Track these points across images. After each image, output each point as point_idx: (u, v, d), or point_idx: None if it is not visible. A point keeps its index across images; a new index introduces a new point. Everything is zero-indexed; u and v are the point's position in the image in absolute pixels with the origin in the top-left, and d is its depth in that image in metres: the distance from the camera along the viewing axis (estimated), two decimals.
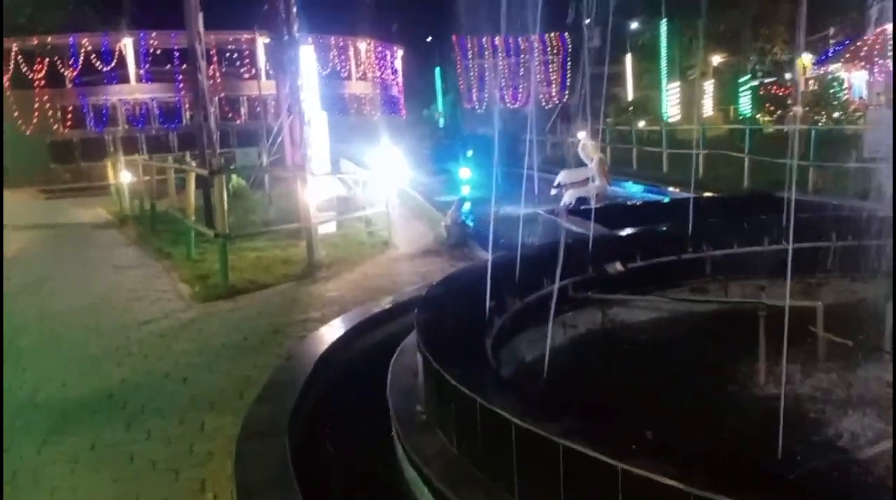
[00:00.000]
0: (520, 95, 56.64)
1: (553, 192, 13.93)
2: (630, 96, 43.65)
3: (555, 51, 56.24)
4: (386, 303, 6.56)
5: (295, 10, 9.84)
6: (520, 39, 56.08)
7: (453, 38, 55.47)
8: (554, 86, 56.37)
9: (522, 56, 56.24)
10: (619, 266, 6.69)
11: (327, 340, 5.44)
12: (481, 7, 51.59)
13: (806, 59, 40.44)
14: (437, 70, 54.34)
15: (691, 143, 20.37)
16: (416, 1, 53.94)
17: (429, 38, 56.20)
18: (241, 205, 13.34)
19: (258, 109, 33.72)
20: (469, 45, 55.61)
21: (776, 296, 7.36)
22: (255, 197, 14.83)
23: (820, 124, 17.47)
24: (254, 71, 33.54)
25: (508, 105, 56.38)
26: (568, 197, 13.08)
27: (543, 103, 55.77)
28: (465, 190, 20.88)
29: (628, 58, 44.54)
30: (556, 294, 6.69)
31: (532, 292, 6.03)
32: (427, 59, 53.92)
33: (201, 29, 13.26)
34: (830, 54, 25.74)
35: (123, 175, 16.94)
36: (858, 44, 23.78)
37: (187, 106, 32.32)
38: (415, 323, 4.68)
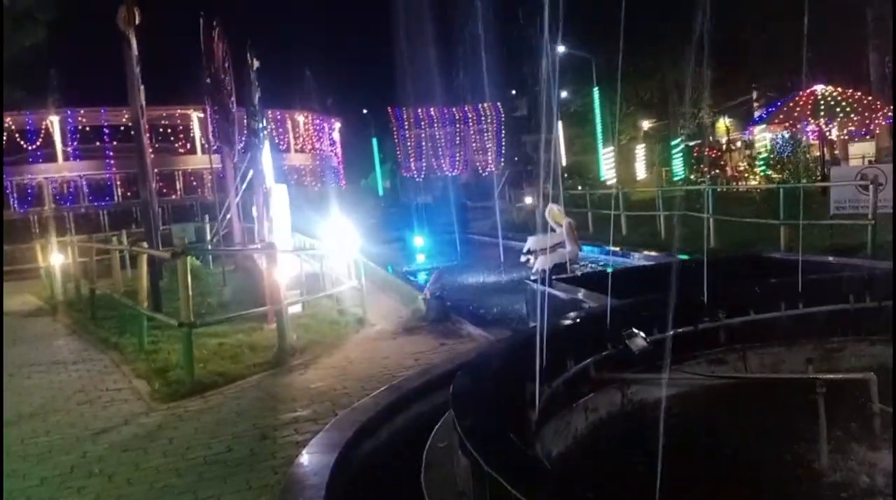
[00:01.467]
0: (457, 162, 57.19)
1: (523, 259, 13.48)
2: (564, 162, 44.54)
3: (489, 120, 57.31)
4: (386, 396, 5.77)
5: (254, 78, 9.21)
6: (454, 110, 57.11)
7: (389, 109, 55.94)
8: (490, 153, 57.17)
9: (458, 125, 57.12)
10: (641, 341, 6.11)
11: (332, 448, 4.62)
12: (414, 80, 52.44)
13: (725, 121, 42.43)
14: (375, 140, 54.39)
15: (644, 205, 20.45)
16: (349, 76, 54.38)
17: (364, 111, 56.46)
18: (196, 286, 12.32)
19: (194, 184, 32.65)
20: (405, 116, 56.09)
21: (795, 364, 6.95)
22: (209, 277, 13.79)
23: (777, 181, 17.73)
24: (188, 145, 32.61)
25: (447, 173, 56.81)
26: (539, 264, 12.62)
27: (480, 171, 56.49)
28: (421, 258, 20.30)
29: (560, 125, 45.69)
30: (579, 376, 6.05)
31: (557, 376, 5.40)
32: (364, 130, 54.06)
33: (143, 102, 12.46)
34: (764, 116, 26.63)
35: (55, 257, 15.69)
36: (791, 104, 24.71)
37: (118, 183, 31.01)
38: (459, 433, 3.92)
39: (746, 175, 29.66)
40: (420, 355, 7.49)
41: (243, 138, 15.32)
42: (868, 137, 28.35)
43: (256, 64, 10.50)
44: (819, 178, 22.09)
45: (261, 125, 8.60)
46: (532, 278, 12.74)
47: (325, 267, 11.51)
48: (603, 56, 38.08)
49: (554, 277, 10.71)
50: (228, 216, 15.39)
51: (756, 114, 37.06)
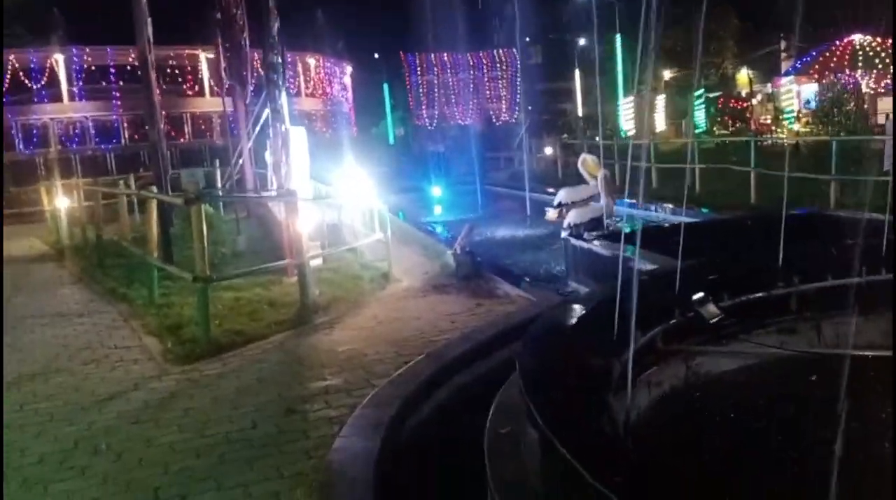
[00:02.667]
0: (470, 111, 55.95)
1: (552, 213, 12.70)
2: (580, 112, 43.32)
3: (504, 67, 55.81)
4: (427, 365, 5.14)
5: (273, 4, 8.29)
6: (468, 55, 55.53)
7: (401, 54, 54.45)
8: (504, 102, 55.86)
9: (472, 72, 55.66)
10: (714, 309, 5.43)
11: (374, 430, 4.00)
12: (428, 23, 50.87)
13: (749, 73, 41.04)
14: (386, 87, 52.96)
15: (672, 157, 19.57)
16: (362, 17, 52.77)
17: (376, 55, 54.89)
18: (209, 235, 11.64)
19: (202, 127, 31.78)
20: (417, 62, 54.65)
21: (873, 336, 6.25)
22: (222, 225, 13.09)
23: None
24: (197, 88, 31.61)
25: (459, 122, 55.60)
26: (573, 217, 11.84)
27: (494, 119, 55.25)
28: (438, 210, 19.56)
29: (577, 74, 44.33)
30: (645, 348, 5.39)
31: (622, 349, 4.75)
32: (375, 76, 52.56)
33: (151, 36, 11.58)
34: (799, 66, 25.44)
35: (60, 201, 15.05)
36: (827, 55, 23.53)
37: (125, 125, 30.17)
38: (536, 416, 3.27)
39: (774, 128, 28.61)
40: (455, 317, 6.83)
41: (255, 78, 14.49)
42: None
43: None
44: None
45: (279, 60, 7.76)
46: (564, 232, 12.03)
47: (344, 217, 10.81)
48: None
49: (593, 233, 10.00)
50: (241, 161, 14.65)
51: (783, 65, 35.74)
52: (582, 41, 43.99)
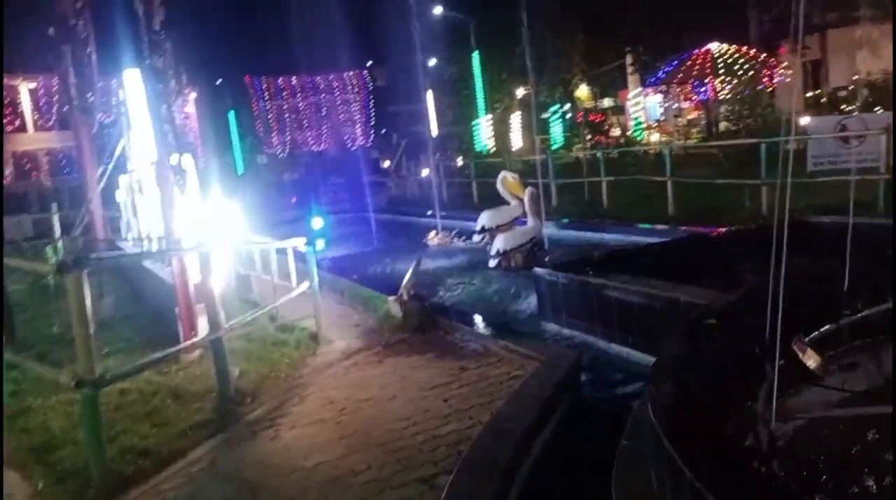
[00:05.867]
0: (324, 136, 54.06)
1: (476, 238, 11.38)
2: (434, 132, 42.81)
3: (356, 90, 54.41)
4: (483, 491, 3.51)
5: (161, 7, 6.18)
6: (317, 79, 53.64)
7: (247, 78, 51.60)
8: (358, 125, 54.39)
9: (322, 96, 53.83)
10: (816, 356, 4.33)
11: None
12: (275, 45, 48.52)
13: (592, 89, 42.52)
14: (232, 114, 49.78)
15: (562, 173, 18.87)
16: (203, 40, 49.36)
17: (218, 81, 51.50)
18: (57, 302, 9.14)
19: (27, 167, 27.76)
20: (265, 86, 52.03)
21: None
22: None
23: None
24: (18, 122, 27.55)
25: (312, 148, 53.55)
26: (501, 243, 10.57)
27: (349, 144, 53.75)
28: (321, 244, 17.66)
29: (430, 94, 43.84)
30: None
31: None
32: (221, 103, 49.21)
33: None
34: (662, 76, 25.96)
35: None
36: (688, 64, 24.10)
37: None
38: None
39: (623, 140, 29.46)
40: (443, 391, 5.21)
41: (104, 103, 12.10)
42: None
43: None
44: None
45: (162, 57, 5.79)
46: (493, 261, 10.73)
47: (245, 264, 8.84)
48: (479, 19, 36.52)
49: (548, 260, 8.74)
50: (90, 205, 12.09)
51: (631, 79, 37.00)
52: (433, 61, 43.57)
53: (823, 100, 23.01)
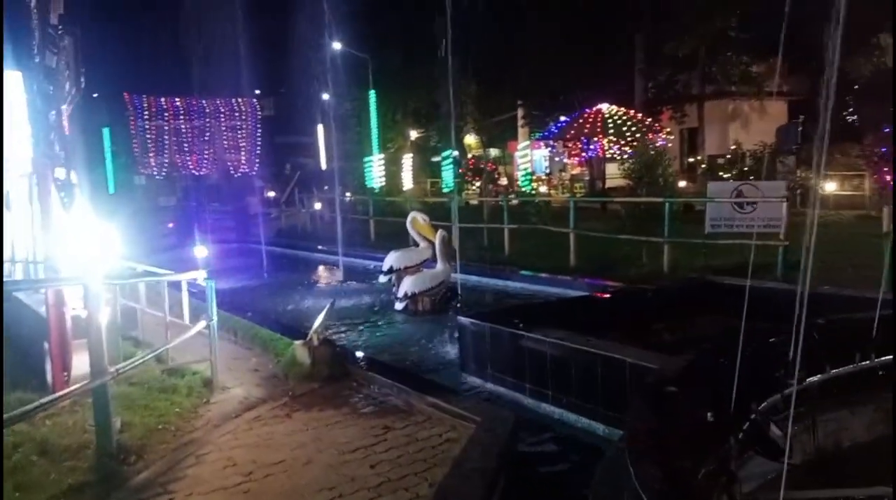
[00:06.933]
0: (206, 161, 51.87)
1: (382, 279, 10.83)
2: (324, 166, 42.23)
3: (243, 117, 52.80)
4: None
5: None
6: (204, 102, 51.67)
7: (125, 95, 48.83)
8: (244, 153, 52.62)
9: (207, 120, 51.84)
10: (778, 431, 4.18)
11: None
12: (160, 63, 46.34)
13: (480, 138, 43.64)
14: (107, 131, 46.77)
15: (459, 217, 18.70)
16: (84, 52, 46.35)
17: (95, 95, 48.34)
18: None
19: None
20: (145, 105, 49.41)
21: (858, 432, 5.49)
22: None
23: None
24: None
25: (193, 172, 51.27)
26: (409, 286, 10.08)
27: (233, 171, 51.98)
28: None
29: (321, 128, 43.31)
30: None
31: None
32: (94, 117, 46.09)
33: None
34: (555, 131, 26.72)
35: None
36: (581, 121, 24.96)
37: None
38: None
39: (510, 190, 30.27)
40: (367, 454, 4.63)
41: None
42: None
43: None
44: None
45: (57, 55, 4.93)
46: (399, 304, 10.23)
47: (129, 297, 7.84)
48: (378, 58, 36.59)
49: (468, 310, 8.33)
50: None
51: (521, 131, 38.12)
52: (326, 96, 43.13)
53: (704, 165, 24.43)
